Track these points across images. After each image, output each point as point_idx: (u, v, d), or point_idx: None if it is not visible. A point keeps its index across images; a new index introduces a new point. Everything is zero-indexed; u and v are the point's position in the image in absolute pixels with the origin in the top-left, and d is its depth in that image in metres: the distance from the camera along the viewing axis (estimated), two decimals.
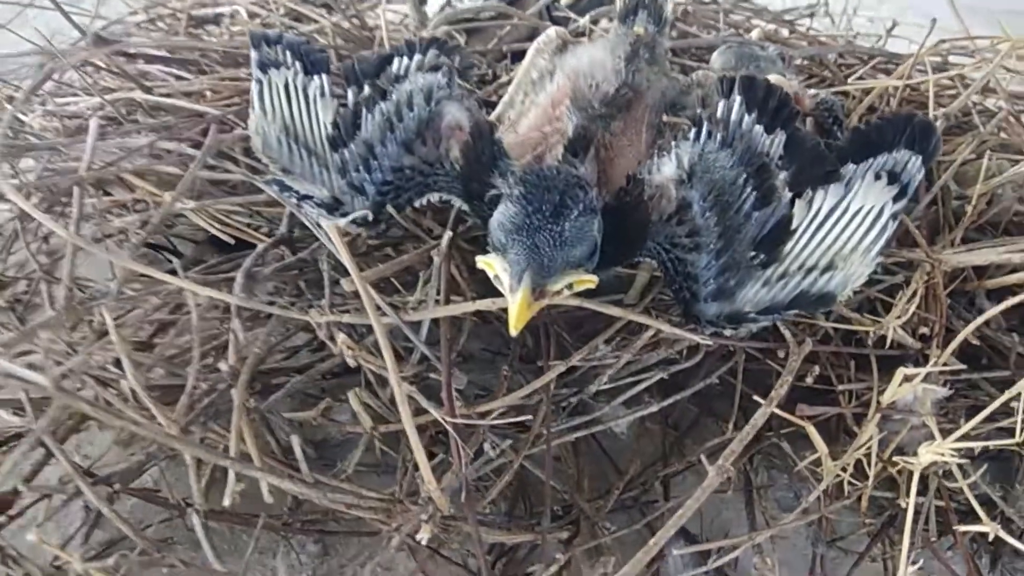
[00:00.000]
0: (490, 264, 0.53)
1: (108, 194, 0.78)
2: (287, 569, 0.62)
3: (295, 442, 0.53)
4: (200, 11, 1.06)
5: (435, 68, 0.65)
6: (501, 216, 0.52)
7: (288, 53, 0.67)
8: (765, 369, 0.68)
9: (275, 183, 0.62)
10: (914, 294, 0.63)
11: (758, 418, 0.54)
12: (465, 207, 0.62)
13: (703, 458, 0.54)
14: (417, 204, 0.63)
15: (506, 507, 0.64)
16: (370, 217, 0.60)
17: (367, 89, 0.64)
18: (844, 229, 0.57)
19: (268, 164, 0.64)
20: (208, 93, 0.82)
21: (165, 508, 0.63)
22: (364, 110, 0.62)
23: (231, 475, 0.50)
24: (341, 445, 0.68)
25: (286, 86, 0.65)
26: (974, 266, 0.69)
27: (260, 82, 0.65)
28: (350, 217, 0.59)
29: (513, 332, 0.51)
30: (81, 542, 0.61)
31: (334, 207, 0.61)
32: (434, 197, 0.63)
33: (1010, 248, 0.64)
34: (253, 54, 0.67)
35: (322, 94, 0.64)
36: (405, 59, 0.66)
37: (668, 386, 0.68)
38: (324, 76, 0.65)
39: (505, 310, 0.51)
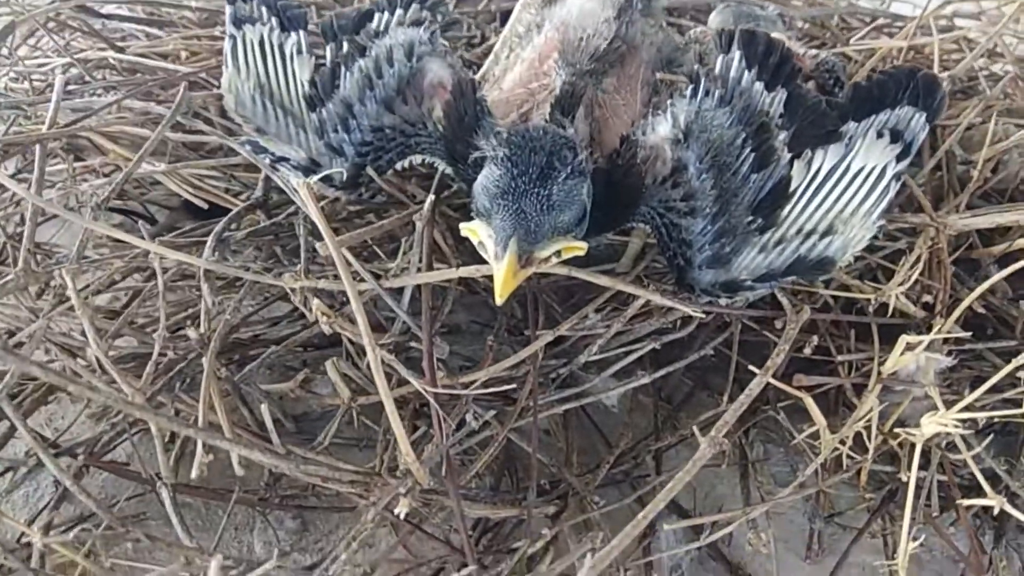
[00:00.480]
0: (474, 231, 0.51)
1: (80, 159, 0.75)
2: (263, 545, 0.60)
3: (265, 411, 0.51)
4: None
5: (417, 23, 0.62)
6: (485, 179, 0.50)
7: (264, 8, 0.64)
8: (762, 340, 0.65)
9: (248, 143, 0.60)
10: (918, 259, 0.61)
11: (753, 388, 0.51)
12: (449, 170, 0.60)
13: (696, 430, 0.51)
14: (399, 167, 0.60)
15: (492, 481, 0.61)
16: (344, 176, 0.57)
17: (346, 46, 0.61)
18: (844, 191, 0.54)
19: (241, 124, 0.62)
20: (183, 53, 0.78)
21: (137, 482, 0.61)
22: (342, 67, 0.59)
23: (199, 447, 0.47)
24: (322, 418, 0.65)
25: (261, 42, 0.62)
26: (980, 232, 0.67)
27: (234, 38, 0.63)
28: (321, 174, 0.56)
29: (499, 301, 0.48)
30: (49, 516, 0.58)
31: (311, 169, 0.58)
32: (416, 159, 0.60)
33: (1018, 211, 0.62)
34: (228, 9, 0.64)
35: (299, 51, 0.61)
36: (386, 14, 0.63)
37: (661, 358, 0.65)
38: (302, 32, 0.62)
39: (491, 278, 0.49)
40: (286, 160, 0.59)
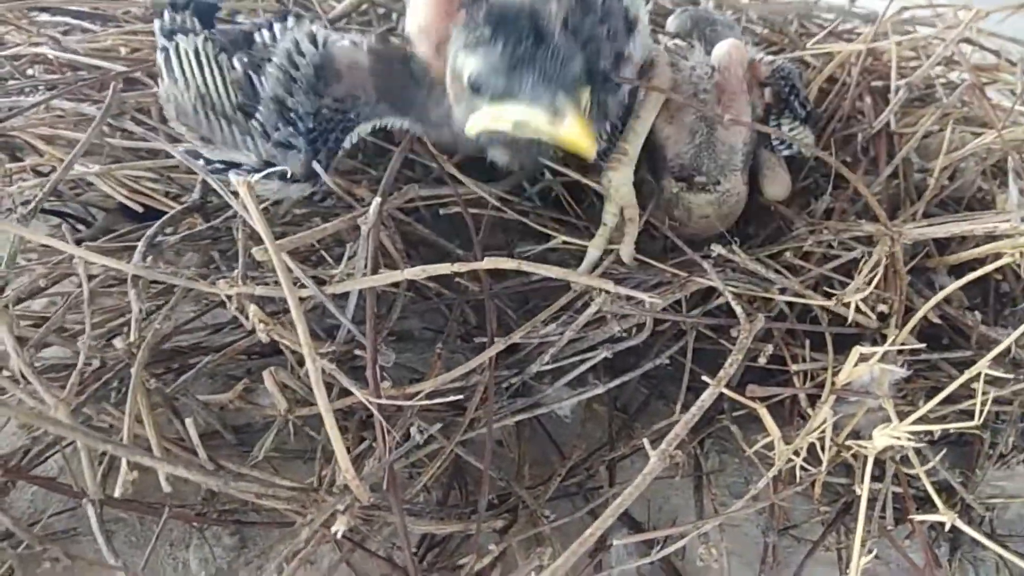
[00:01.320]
0: (501, 118, 0.50)
1: (18, 159, 0.72)
2: (199, 562, 0.57)
3: (189, 425, 0.48)
4: None
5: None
6: (485, 61, 0.50)
7: (196, 21, 0.63)
8: (720, 350, 0.64)
9: (193, 154, 0.58)
10: (876, 264, 0.60)
11: (705, 400, 0.50)
12: (404, 124, 0.60)
13: (647, 443, 0.49)
14: (354, 140, 0.60)
15: (440, 495, 0.59)
16: (301, 168, 0.57)
17: (246, 58, 0.60)
18: None
19: (186, 134, 0.60)
20: (123, 50, 0.75)
21: (68, 496, 0.58)
22: (253, 74, 0.59)
23: (123, 463, 0.45)
24: (265, 429, 0.62)
25: (196, 53, 0.60)
26: (936, 241, 0.66)
27: (166, 50, 0.61)
28: (266, 172, 0.55)
29: (589, 153, 0.50)
30: None
31: (266, 168, 0.57)
32: (366, 129, 0.60)
33: (973, 221, 0.61)
34: (156, 22, 0.63)
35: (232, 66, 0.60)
36: (265, 32, 0.63)
37: (616, 366, 0.64)
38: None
39: (441, 277, 0.51)
40: (238, 166, 0.57)
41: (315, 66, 0.58)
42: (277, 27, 0.63)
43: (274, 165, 0.57)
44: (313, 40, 0.59)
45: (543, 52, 0.49)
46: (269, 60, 0.59)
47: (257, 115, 0.57)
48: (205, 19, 0.64)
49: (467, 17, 0.52)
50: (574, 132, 0.48)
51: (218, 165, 0.57)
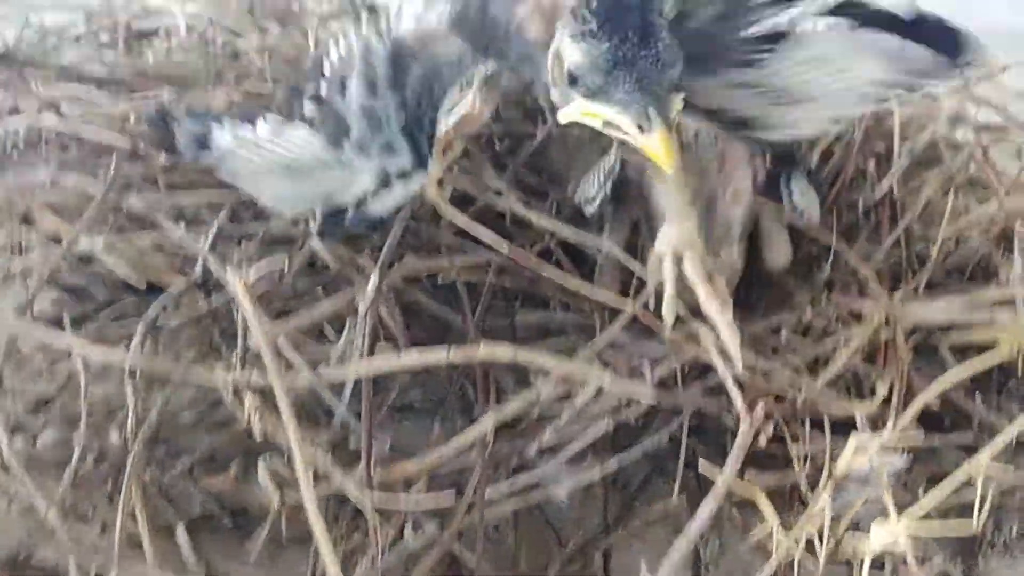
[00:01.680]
0: (593, 114, 0.50)
1: (29, 221, 0.72)
2: None
3: (179, 532, 0.48)
4: (140, 24, 0.99)
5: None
6: (587, 56, 0.48)
7: (202, 122, 0.60)
8: (723, 426, 0.64)
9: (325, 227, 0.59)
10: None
11: (706, 510, 0.49)
12: (498, 66, 0.58)
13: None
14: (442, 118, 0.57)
15: None
16: (411, 165, 0.55)
17: (324, 85, 0.58)
18: None
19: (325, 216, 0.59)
20: (132, 116, 0.75)
21: None
22: (333, 99, 0.57)
23: (114, 571, 0.45)
24: (263, 514, 0.62)
25: (240, 141, 0.58)
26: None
27: (218, 163, 0.59)
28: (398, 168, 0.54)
29: (671, 171, 0.50)
30: None
31: (386, 181, 0.56)
32: (454, 94, 0.57)
33: (973, 306, 0.60)
34: (177, 136, 0.61)
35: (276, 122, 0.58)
36: (335, 50, 0.60)
37: (616, 441, 0.63)
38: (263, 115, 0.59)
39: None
40: (364, 202, 0.56)
41: (389, 59, 0.56)
42: (351, 36, 0.61)
43: (387, 171, 0.56)
44: (380, 34, 0.58)
45: (646, 53, 0.47)
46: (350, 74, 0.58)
47: (351, 136, 0.55)
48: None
49: (579, 2, 0.50)
50: (658, 146, 0.47)
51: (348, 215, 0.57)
